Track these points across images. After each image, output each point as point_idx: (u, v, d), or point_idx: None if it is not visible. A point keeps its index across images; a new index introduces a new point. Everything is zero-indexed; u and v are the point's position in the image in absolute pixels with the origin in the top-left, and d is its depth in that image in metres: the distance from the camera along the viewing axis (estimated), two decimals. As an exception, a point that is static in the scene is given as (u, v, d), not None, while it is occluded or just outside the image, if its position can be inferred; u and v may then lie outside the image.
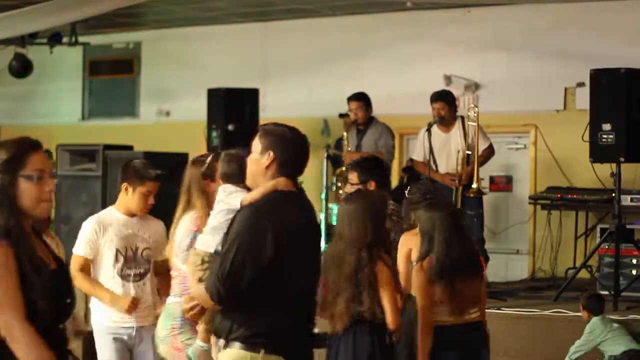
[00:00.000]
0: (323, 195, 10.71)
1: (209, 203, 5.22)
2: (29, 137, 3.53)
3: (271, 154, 4.23)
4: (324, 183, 10.80)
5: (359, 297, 5.13)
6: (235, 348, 4.09)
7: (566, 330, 7.95)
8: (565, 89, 11.30)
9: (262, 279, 4.11)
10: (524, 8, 11.41)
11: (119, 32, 14.04)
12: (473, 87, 11.72)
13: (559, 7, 11.19)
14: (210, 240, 4.45)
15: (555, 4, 11.20)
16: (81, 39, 13.20)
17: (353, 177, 6.11)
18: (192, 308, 4.40)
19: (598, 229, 9.79)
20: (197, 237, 4.82)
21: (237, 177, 4.69)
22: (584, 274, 9.20)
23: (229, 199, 4.52)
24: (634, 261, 9.21)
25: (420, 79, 11.57)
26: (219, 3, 12.08)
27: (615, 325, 7.52)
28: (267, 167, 4.25)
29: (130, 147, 11.47)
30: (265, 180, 4.25)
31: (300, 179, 4.39)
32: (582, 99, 10.42)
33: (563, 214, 10.71)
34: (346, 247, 5.19)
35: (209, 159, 5.43)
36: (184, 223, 5.43)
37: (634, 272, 9.19)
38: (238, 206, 4.38)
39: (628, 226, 9.14)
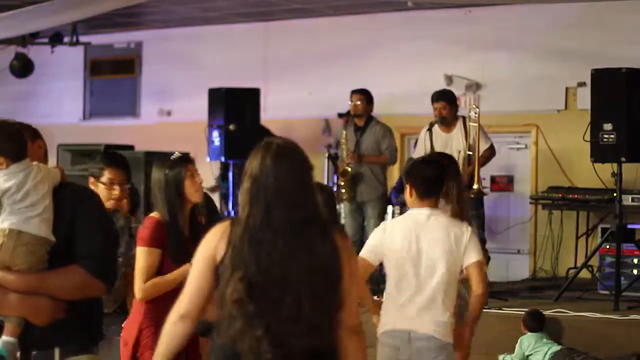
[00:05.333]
0: (324, 195, 10.70)
1: None
2: None
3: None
4: (325, 183, 10.80)
5: None
6: None
7: (567, 330, 7.96)
8: (567, 89, 11.30)
9: None
10: (524, 8, 11.41)
11: (120, 32, 14.04)
12: (474, 87, 11.72)
13: (560, 7, 11.18)
14: None
15: (556, 4, 11.20)
16: (82, 38, 13.19)
17: None
18: None
19: (599, 229, 9.80)
20: None
21: None
22: (585, 273, 9.20)
23: None
24: (635, 261, 9.23)
25: (421, 78, 11.57)
26: (219, 3, 12.08)
27: (546, 340, 7.68)
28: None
29: (131, 147, 11.48)
30: None
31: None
32: (583, 98, 10.42)
33: (564, 213, 10.71)
34: None
35: None
36: None
37: (634, 271, 9.21)
38: None
39: (629, 226, 9.15)
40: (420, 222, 5.17)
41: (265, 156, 3.48)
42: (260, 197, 3.44)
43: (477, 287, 5.17)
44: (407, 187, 5.27)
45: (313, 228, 3.45)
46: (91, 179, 5.58)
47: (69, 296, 3.85)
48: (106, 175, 5.58)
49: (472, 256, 5.17)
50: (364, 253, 5.18)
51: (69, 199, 3.92)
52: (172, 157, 5.24)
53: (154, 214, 5.10)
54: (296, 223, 3.43)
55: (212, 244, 3.48)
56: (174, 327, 3.53)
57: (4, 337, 3.83)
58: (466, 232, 5.21)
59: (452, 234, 5.16)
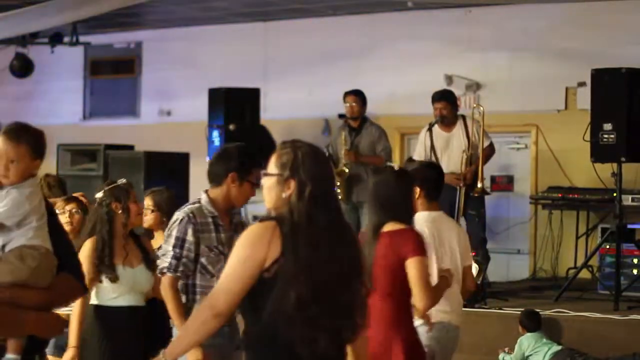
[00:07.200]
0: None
1: None
2: None
3: None
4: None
5: None
6: None
7: (567, 330, 7.96)
8: (567, 89, 11.30)
9: None
10: (525, 8, 11.40)
11: (120, 32, 14.04)
12: (474, 87, 11.72)
13: (560, 7, 11.19)
14: None
15: (556, 4, 11.20)
16: (82, 38, 13.20)
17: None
18: None
19: (599, 229, 9.80)
20: None
21: None
22: (585, 273, 9.20)
23: None
24: (635, 261, 9.23)
25: (421, 78, 11.56)
26: (219, 3, 12.08)
27: (545, 340, 7.69)
28: None
29: (131, 147, 11.49)
30: None
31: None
32: (583, 98, 10.42)
33: (564, 213, 10.71)
34: None
35: None
36: None
37: (634, 271, 9.21)
38: None
39: (629, 226, 9.16)
40: (439, 223, 5.54)
41: (309, 159, 3.57)
42: (305, 198, 3.51)
43: (472, 285, 5.78)
44: (416, 190, 5.43)
45: (347, 227, 3.63)
46: (235, 175, 5.12)
47: (65, 304, 3.82)
48: (254, 175, 5.17)
49: (470, 258, 5.69)
50: None
51: None
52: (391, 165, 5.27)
53: (397, 225, 4.96)
54: (337, 223, 3.57)
55: (263, 246, 3.46)
56: (209, 325, 3.51)
57: (9, 355, 3.75)
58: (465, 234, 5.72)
59: (460, 235, 5.62)
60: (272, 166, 3.62)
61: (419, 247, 4.89)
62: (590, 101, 8.85)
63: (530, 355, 7.64)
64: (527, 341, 7.69)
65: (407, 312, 4.93)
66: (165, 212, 6.18)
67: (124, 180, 5.93)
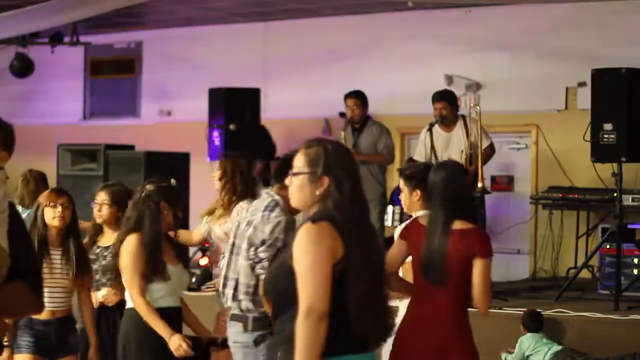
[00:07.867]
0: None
1: None
2: None
3: None
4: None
5: None
6: None
7: (568, 330, 7.96)
8: (567, 89, 11.29)
9: None
10: (525, 8, 11.40)
11: (120, 32, 14.04)
12: (474, 87, 11.72)
13: (560, 7, 11.19)
14: None
15: (556, 4, 11.20)
16: (82, 38, 13.20)
17: None
18: None
19: (599, 229, 9.80)
20: None
21: None
22: (585, 273, 9.20)
23: None
24: (635, 261, 9.22)
25: (421, 78, 11.57)
26: (220, 3, 12.08)
27: (546, 340, 7.69)
28: None
29: (131, 147, 11.49)
30: None
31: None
32: (584, 98, 10.43)
33: (564, 213, 10.70)
34: None
35: None
36: None
37: (635, 271, 9.20)
38: None
39: (629, 226, 9.15)
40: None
41: (339, 155, 3.62)
42: (345, 194, 3.56)
43: None
44: (417, 192, 5.54)
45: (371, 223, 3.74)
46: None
47: (13, 315, 3.46)
48: None
49: None
50: None
51: None
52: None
53: (466, 224, 5.07)
54: (367, 217, 3.67)
55: (330, 244, 3.50)
56: (319, 330, 3.45)
57: None
58: None
59: None
60: (301, 164, 3.60)
61: (488, 248, 5.08)
62: (590, 101, 8.85)
63: (531, 355, 7.64)
64: (527, 341, 7.70)
65: (467, 309, 5.07)
66: (122, 208, 6.04)
67: (174, 182, 5.80)
